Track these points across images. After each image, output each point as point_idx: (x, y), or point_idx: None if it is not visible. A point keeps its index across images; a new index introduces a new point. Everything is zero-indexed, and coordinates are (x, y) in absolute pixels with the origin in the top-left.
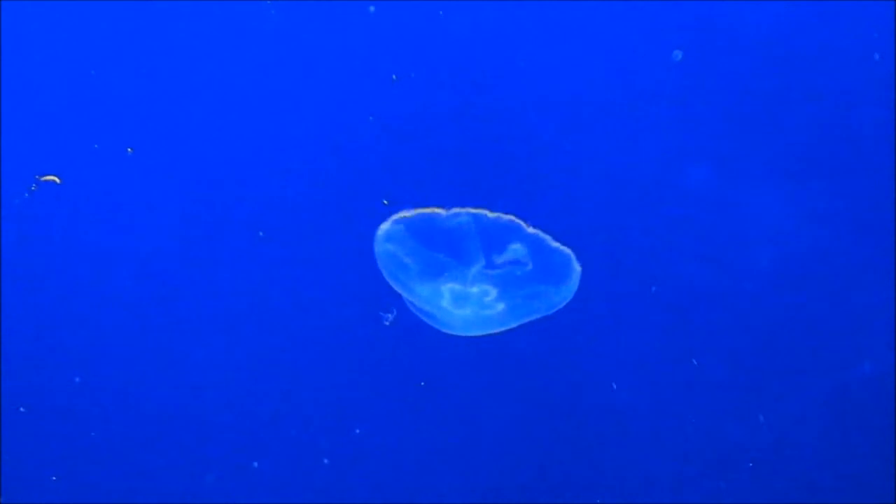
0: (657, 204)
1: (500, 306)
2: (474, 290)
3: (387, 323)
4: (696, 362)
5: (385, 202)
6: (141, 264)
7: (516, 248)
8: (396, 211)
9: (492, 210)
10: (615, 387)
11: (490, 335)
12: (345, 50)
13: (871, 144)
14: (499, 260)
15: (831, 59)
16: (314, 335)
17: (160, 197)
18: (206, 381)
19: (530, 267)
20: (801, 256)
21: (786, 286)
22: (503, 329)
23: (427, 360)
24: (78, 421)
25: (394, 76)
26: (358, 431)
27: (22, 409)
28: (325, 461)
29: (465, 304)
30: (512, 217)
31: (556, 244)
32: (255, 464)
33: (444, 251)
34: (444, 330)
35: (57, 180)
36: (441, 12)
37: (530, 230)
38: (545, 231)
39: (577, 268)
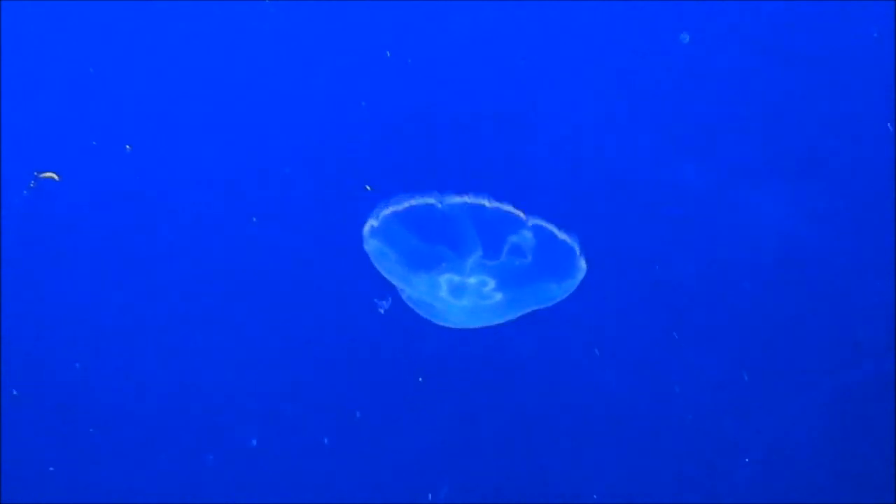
0: (656, 200)
1: (499, 296)
2: (472, 280)
3: (381, 311)
4: (696, 362)
5: (368, 187)
6: (139, 260)
7: (517, 239)
8: (389, 198)
9: (491, 200)
10: (613, 384)
11: (488, 327)
12: (342, 38)
13: (871, 144)
14: (499, 250)
15: (832, 57)
16: (313, 322)
17: (157, 191)
18: (207, 372)
19: (530, 259)
20: (801, 256)
21: (786, 286)
22: (501, 320)
23: (425, 349)
24: (78, 403)
25: (387, 52)
26: (358, 415)
27: (14, 392)
28: (325, 441)
29: (463, 295)
30: (511, 208)
31: (562, 235)
32: (254, 441)
33: (440, 242)
34: (442, 322)
35: (55, 177)
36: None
37: (532, 221)
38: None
39: (583, 265)
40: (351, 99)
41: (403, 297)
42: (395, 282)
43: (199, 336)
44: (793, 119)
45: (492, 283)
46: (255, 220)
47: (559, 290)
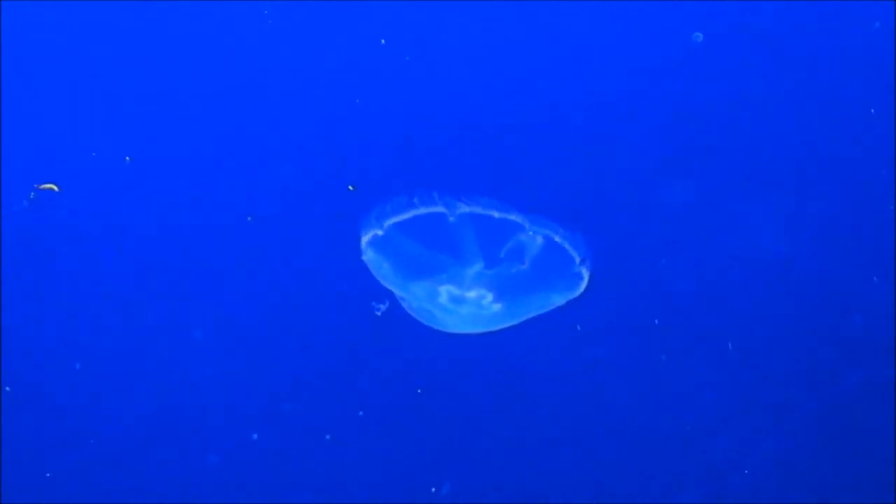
0: (656, 206)
1: (498, 306)
2: (472, 294)
3: (378, 313)
4: (696, 366)
5: (350, 188)
6: (139, 260)
7: (516, 247)
8: (386, 203)
9: (492, 207)
10: (613, 387)
11: (487, 333)
12: (342, 38)
13: (870, 147)
14: (500, 259)
15: (831, 61)
16: (314, 322)
17: (155, 198)
18: (208, 373)
19: (531, 268)
20: (801, 260)
21: (786, 291)
22: (501, 328)
23: (425, 350)
24: (79, 402)
25: (382, 40)
26: (361, 414)
27: (7, 388)
28: (327, 437)
29: (463, 303)
30: (514, 216)
31: (565, 245)
32: (255, 435)
33: (440, 250)
34: (441, 328)
35: (55, 188)
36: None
37: (533, 230)
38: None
39: (585, 275)
40: (351, 99)
41: (403, 305)
42: (393, 290)
43: (200, 337)
44: (793, 123)
45: (491, 295)
46: (249, 219)
47: (560, 300)
